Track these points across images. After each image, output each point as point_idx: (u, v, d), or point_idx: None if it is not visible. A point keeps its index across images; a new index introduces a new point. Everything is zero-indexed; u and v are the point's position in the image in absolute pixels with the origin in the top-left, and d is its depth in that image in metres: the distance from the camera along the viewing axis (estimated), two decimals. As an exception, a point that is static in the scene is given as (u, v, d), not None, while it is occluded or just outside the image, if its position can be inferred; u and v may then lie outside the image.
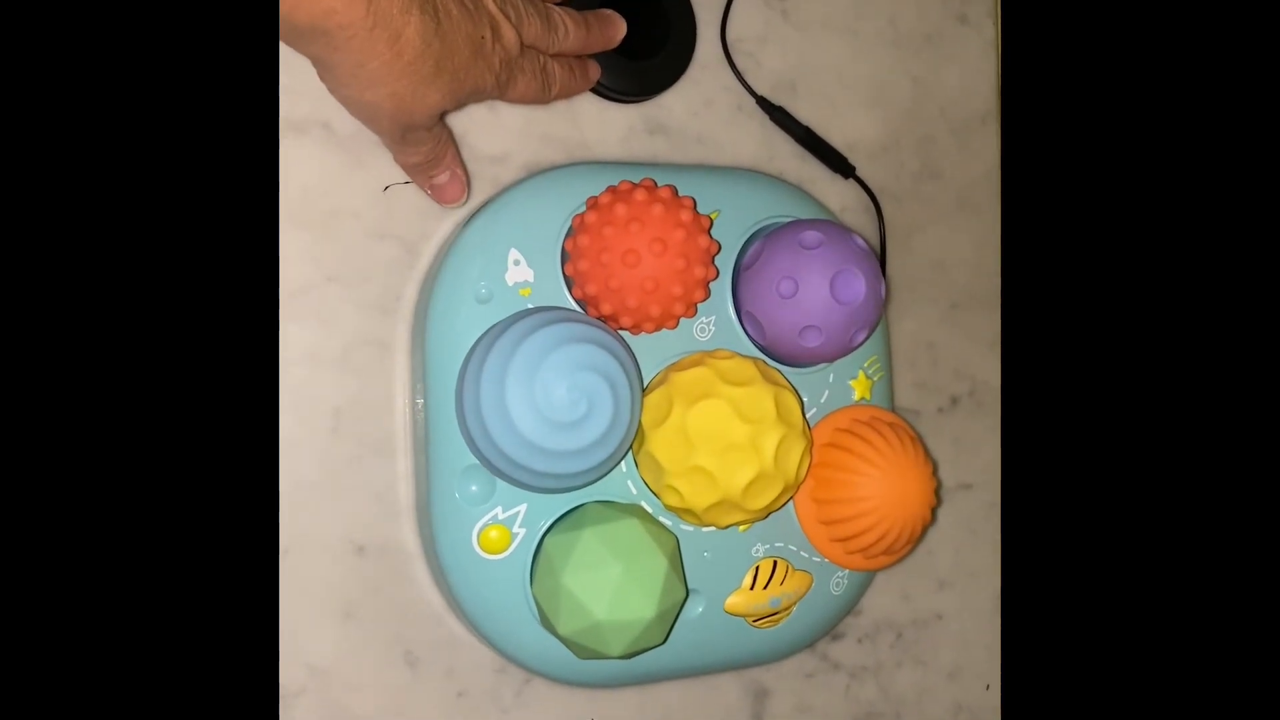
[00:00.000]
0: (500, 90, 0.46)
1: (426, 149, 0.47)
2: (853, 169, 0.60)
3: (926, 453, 0.52)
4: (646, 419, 0.48)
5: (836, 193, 0.60)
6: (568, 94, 0.51)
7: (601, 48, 0.51)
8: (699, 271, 0.47)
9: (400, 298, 0.51)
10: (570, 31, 0.48)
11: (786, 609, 0.53)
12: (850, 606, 0.56)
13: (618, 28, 0.51)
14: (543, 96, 0.49)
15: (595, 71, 0.52)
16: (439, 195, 0.50)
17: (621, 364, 0.45)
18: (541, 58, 0.48)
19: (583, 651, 0.46)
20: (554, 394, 0.43)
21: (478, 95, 0.45)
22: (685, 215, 0.47)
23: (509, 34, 0.44)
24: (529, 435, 0.43)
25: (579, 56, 0.51)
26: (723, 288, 0.52)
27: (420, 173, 0.48)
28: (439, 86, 0.42)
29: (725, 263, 0.52)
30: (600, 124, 0.55)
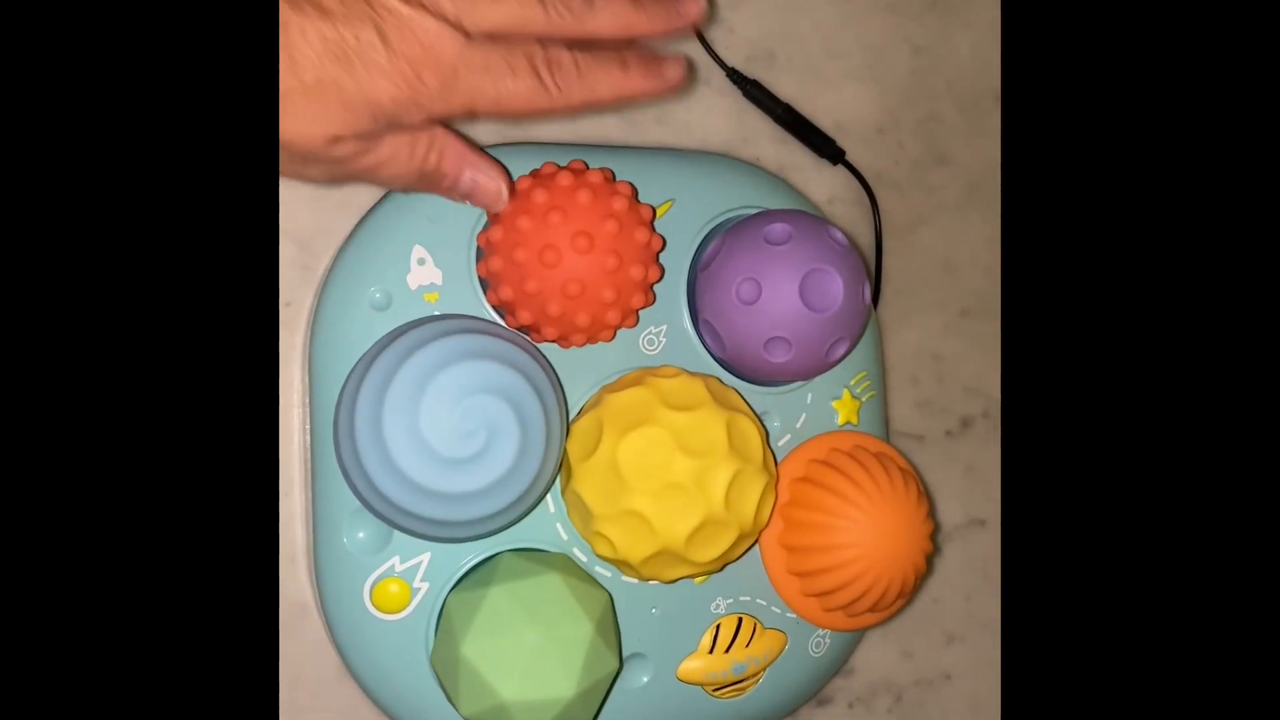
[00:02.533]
0: (442, 102, 0.34)
1: (390, 170, 0.36)
2: (842, 153, 0.51)
3: (921, 490, 0.43)
4: (573, 450, 0.39)
5: (823, 181, 0.52)
6: (613, 96, 0.37)
7: (665, 29, 0.36)
8: (636, 272, 0.39)
9: (292, 304, 0.43)
10: (599, 6, 0.35)
11: (754, 675, 0.44)
12: (834, 669, 0.47)
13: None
14: (544, 101, 0.35)
15: (675, 71, 0.38)
16: (479, 203, 0.39)
17: (533, 384, 0.36)
18: (541, 48, 0.35)
19: (491, 735, 0.38)
20: (441, 423, 0.35)
21: (393, 114, 0.34)
22: (618, 204, 0.38)
23: (424, 26, 0.33)
24: (412, 475, 0.35)
25: (630, 41, 0.37)
26: (677, 292, 0.44)
27: (432, 188, 0.38)
28: (290, 113, 0.32)
29: (680, 262, 0.44)
30: (538, 100, 0.47)
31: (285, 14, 0.32)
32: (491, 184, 0.38)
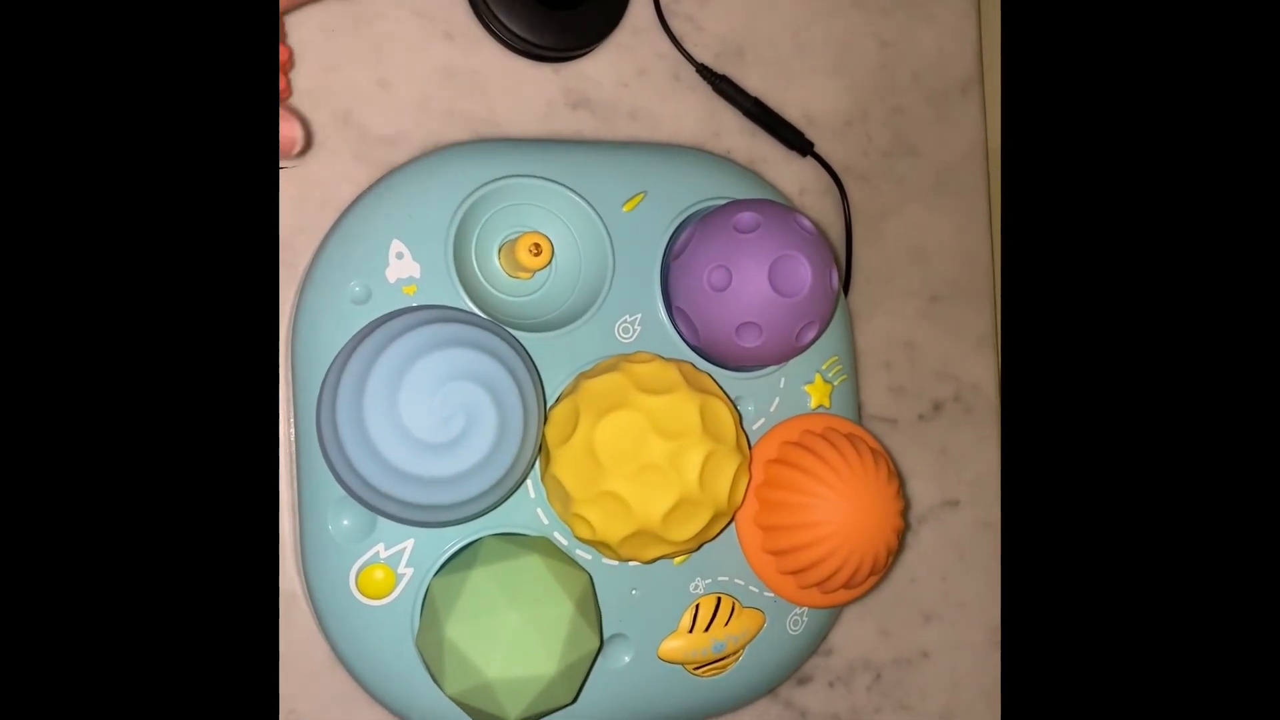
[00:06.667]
0: None
1: None
2: (811, 145, 0.52)
3: (892, 468, 0.44)
4: (551, 435, 0.41)
5: (793, 173, 0.53)
6: None
7: None
8: None
9: (274, 301, 0.44)
10: None
11: (734, 654, 0.45)
12: (813, 648, 0.48)
13: None
14: None
15: None
16: None
17: (509, 370, 0.38)
18: None
19: (477, 715, 0.39)
20: (420, 410, 0.36)
21: None
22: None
23: None
24: (393, 461, 0.36)
25: None
26: (650, 281, 0.45)
27: None
28: None
29: (654, 253, 0.45)
30: (514, 98, 0.48)
31: None
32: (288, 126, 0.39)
